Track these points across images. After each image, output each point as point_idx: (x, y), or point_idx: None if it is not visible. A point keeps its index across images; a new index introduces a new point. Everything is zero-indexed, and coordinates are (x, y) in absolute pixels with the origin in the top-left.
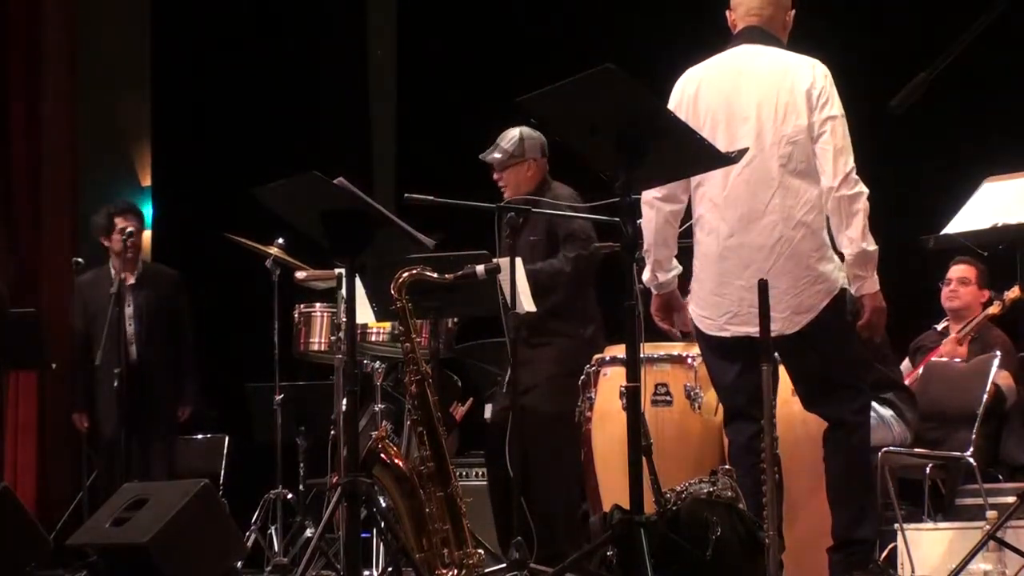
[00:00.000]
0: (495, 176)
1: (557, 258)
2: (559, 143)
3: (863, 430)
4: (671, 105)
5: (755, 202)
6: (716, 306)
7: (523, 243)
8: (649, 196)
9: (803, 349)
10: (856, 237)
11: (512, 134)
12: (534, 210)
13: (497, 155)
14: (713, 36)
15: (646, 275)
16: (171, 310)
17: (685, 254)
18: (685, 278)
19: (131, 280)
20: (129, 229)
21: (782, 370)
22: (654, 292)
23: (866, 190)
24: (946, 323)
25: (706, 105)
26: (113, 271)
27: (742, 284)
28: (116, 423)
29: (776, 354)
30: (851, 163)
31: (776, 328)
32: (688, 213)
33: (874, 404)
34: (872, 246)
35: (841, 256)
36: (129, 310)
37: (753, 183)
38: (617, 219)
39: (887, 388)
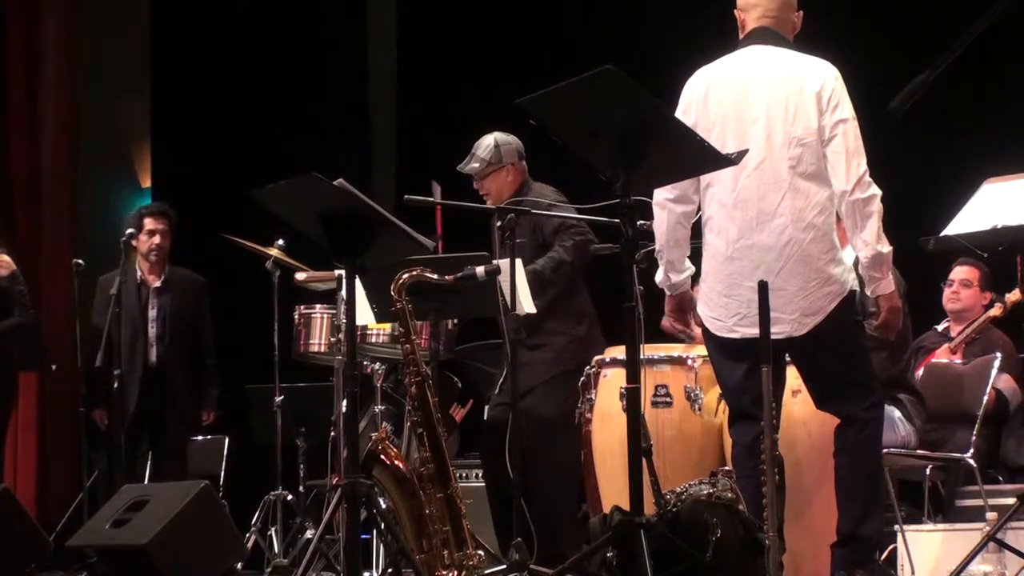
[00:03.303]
0: (475, 185)
1: (554, 250)
2: (554, 143)
3: (874, 426)
4: (681, 105)
5: (765, 204)
6: (725, 307)
7: (510, 246)
8: (660, 197)
9: (813, 350)
10: (871, 240)
11: (487, 142)
12: (534, 211)
13: (475, 165)
14: (713, 36)
15: (659, 276)
16: (193, 315)
17: (695, 254)
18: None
19: (156, 283)
20: (156, 235)
21: (788, 371)
22: (668, 293)
23: (879, 192)
24: (947, 324)
25: (716, 106)
26: (139, 272)
27: (751, 286)
28: (131, 424)
29: (786, 356)
30: (864, 165)
31: (786, 330)
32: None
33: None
34: (887, 248)
35: None
36: (152, 312)
37: (763, 185)
38: (617, 220)
39: (902, 389)
